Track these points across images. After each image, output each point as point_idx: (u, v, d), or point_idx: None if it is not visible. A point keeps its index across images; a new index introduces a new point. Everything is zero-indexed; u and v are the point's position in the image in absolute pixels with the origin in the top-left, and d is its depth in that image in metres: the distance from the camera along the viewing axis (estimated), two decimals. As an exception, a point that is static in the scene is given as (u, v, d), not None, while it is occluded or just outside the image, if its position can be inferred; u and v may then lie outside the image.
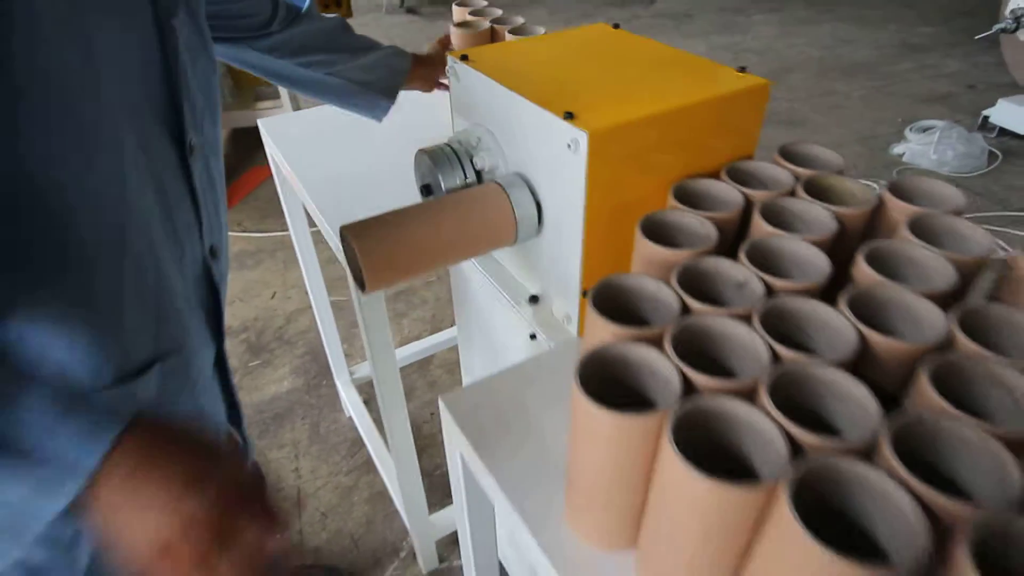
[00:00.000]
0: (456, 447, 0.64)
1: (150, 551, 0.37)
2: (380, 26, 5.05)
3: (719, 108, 0.62)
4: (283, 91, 2.89)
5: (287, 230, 1.71)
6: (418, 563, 1.44)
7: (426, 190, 0.74)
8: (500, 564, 1.05)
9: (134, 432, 0.38)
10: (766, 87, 0.64)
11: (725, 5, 5.27)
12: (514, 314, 0.77)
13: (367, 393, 1.80)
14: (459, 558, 1.45)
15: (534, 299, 0.74)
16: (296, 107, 2.90)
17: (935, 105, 3.40)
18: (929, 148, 2.79)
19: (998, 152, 2.86)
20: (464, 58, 0.73)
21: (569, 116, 0.57)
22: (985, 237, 0.54)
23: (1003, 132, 3.01)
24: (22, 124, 0.40)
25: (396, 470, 1.28)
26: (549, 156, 0.63)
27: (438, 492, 1.58)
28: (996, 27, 2.83)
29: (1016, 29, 2.80)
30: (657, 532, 0.43)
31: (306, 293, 1.67)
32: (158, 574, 0.38)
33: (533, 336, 0.73)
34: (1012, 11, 2.75)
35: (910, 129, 3.00)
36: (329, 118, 1.25)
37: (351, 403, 1.71)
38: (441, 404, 0.64)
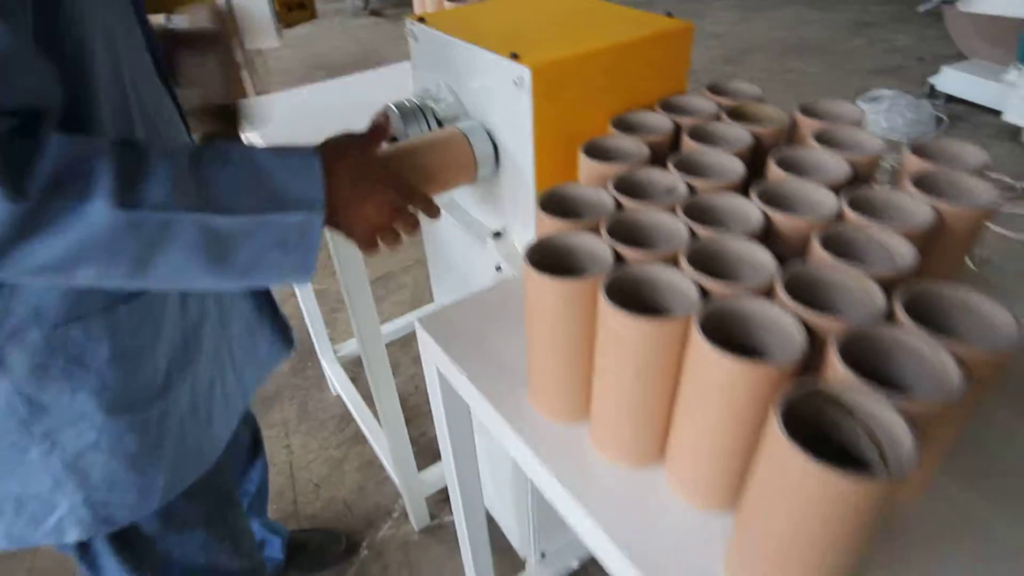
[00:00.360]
0: (432, 362, 0.71)
1: (370, 230, 0.60)
2: (344, 29, 5.10)
3: (649, 46, 0.70)
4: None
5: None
6: (410, 521, 1.51)
7: (393, 141, 0.81)
8: (487, 513, 1.12)
9: (332, 157, 0.55)
10: (689, 28, 0.73)
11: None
12: (481, 250, 0.84)
13: (352, 371, 1.86)
14: (449, 514, 1.52)
15: (497, 235, 0.81)
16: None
17: (887, 77, 3.55)
18: (880, 116, 2.92)
19: (944, 117, 3.01)
20: (421, 20, 0.80)
21: (514, 56, 0.65)
22: (876, 141, 0.63)
23: (951, 99, 3.15)
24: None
25: (386, 431, 1.34)
26: (500, 97, 0.70)
27: (426, 457, 1.65)
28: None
29: (955, 0, 2.93)
30: (601, 387, 0.51)
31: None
32: (373, 242, 0.62)
33: (499, 268, 0.81)
34: (950, -18, 2.89)
35: (862, 99, 3.13)
36: (308, 99, 1.31)
37: (338, 380, 1.77)
38: (417, 324, 0.71)
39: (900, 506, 0.50)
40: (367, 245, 0.62)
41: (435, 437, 0.83)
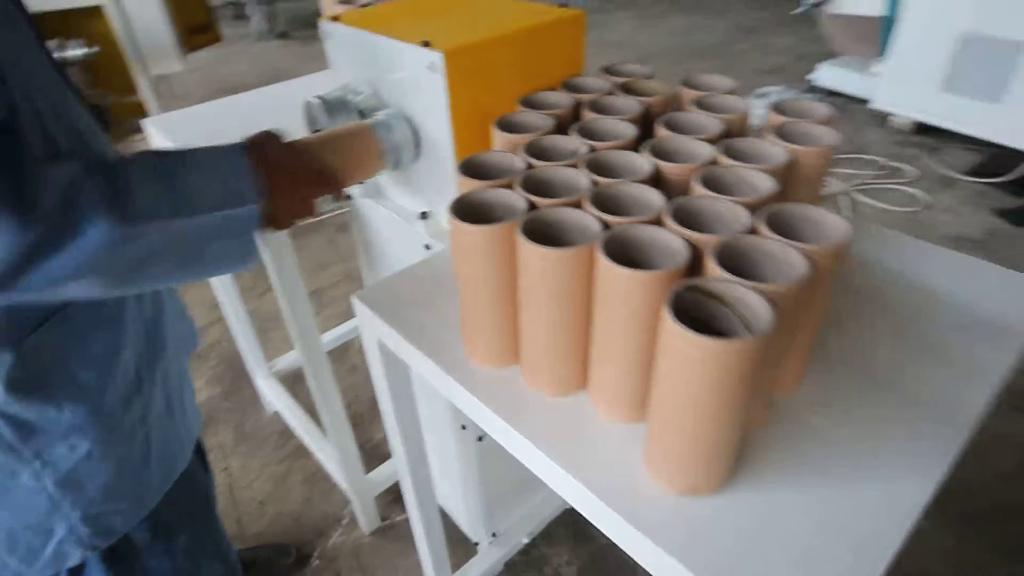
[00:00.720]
0: (373, 334, 0.76)
1: (288, 216, 0.65)
2: (252, 53, 5.02)
3: (546, 32, 0.79)
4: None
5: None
6: (360, 526, 1.51)
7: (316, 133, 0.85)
8: (441, 510, 1.15)
9: (255, 154, 0.58)
10: (581, 15, 0.82)
11: (587, 6, 5.67)
12: (410, 233, 0.89)
13: (288, 387, 1.84)
14: (400, 513, 1.54)
15: (424, 215, 0.87)
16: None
17: (772, 75, 3.87)
18: (766, 111, 3.19)
19: (824, 108, 3.31)
20: (336, 19, 0.85)
21: (426, 44, 0.72)
22: (744, 103, 0.74)
23: (829, 92, 3.48)
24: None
25: (331, 436, 1.35)
26: (416, 84, 0.76)
27: (373, 462, 1.66)
28: (808, 3, 3.29)
29: (823, 2, 3.26)
30: (526, 323, 0.58)
31: (211, 308, 1.70)
32: (288, 224, 0.66)
33: (428, 247, 0.86)
34: (817, -12, 3.21)
35: (753, 96, 3.40)
36: (220, 114, 1.32)
37: (275, 395, 1.76)
38: (355, 301, 0.75)
39: (783, 395, 0.59)
40: (282, 226, 0.66)
41: (380, 443, 0.86)
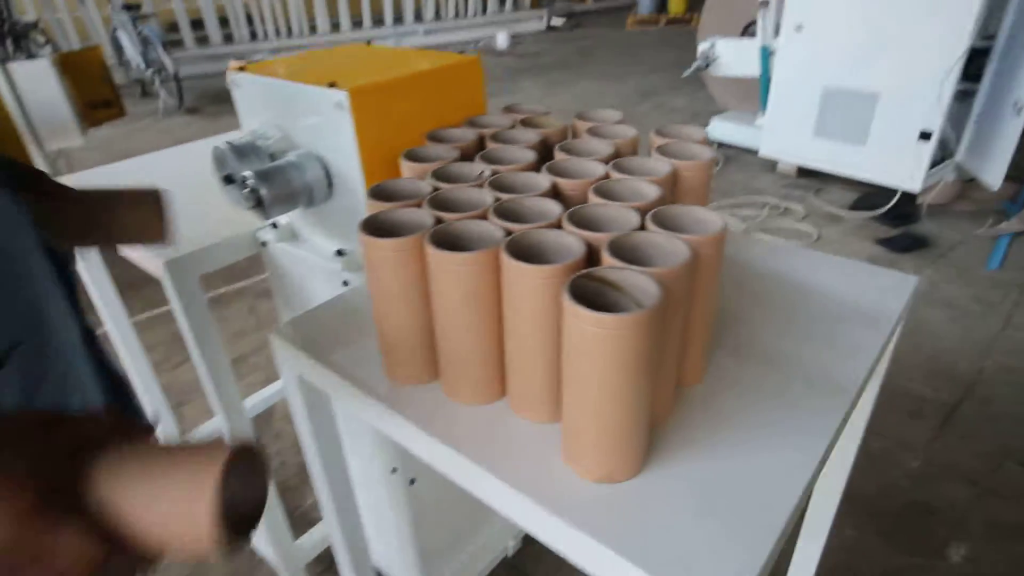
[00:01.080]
0: (293, 372, 0.75)
1: None
2: (159, 128, 4.92)
3: (446, 74, 0.84)
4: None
5: (102, 325, 1.64)
6: (291, 598, 1.41)
7: (227, 179, 0.86)
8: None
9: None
10: (477, 59, 0.88)
11: (493, 75, 5.99)
12: (328, 271, 0.90)
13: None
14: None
15: (340, 252, 0.88)
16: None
17: (671, 132, 4.19)
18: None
19: (720, 158, 3.61)
20: (242, 68, 0.88)
21: (332, 85, 0.75)
22: (631, 130, 0.81)
23: (721, 144, 3.80)
24: None
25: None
26: (325, 124, 0.79)
27: (300, 529, 1.57)
28: (693, 65, 3.63)
29: (708, 66, 3.61)
30: (442, 334, 0.59)
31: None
32: None
33: (346, 283, 0.87)
34: (700, 53, 3.56)
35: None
36: (119, 174, 1.29)
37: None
38: (273, 338, 0.74)
39: (689, 387, 0.63)
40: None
41: (309, 508, 0.83)
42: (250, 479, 0.37)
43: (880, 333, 0.70)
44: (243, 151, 0.83)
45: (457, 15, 7.81)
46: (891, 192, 2.87)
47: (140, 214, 0.72)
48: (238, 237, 0.99)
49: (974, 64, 2.64)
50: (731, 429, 0.58)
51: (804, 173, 3.33)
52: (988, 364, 2.02)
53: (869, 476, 1.64)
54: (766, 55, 3.23)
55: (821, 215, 3.00)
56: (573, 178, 0.69)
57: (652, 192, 0.63)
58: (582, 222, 0.58)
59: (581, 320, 0.45)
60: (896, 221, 2.87)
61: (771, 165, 3.48)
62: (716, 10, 4.05)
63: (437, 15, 7.79)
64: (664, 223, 0.57)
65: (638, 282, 0.49)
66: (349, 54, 0.97)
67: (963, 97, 2.77)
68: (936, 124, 2.63)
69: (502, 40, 7.25)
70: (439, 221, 0.60)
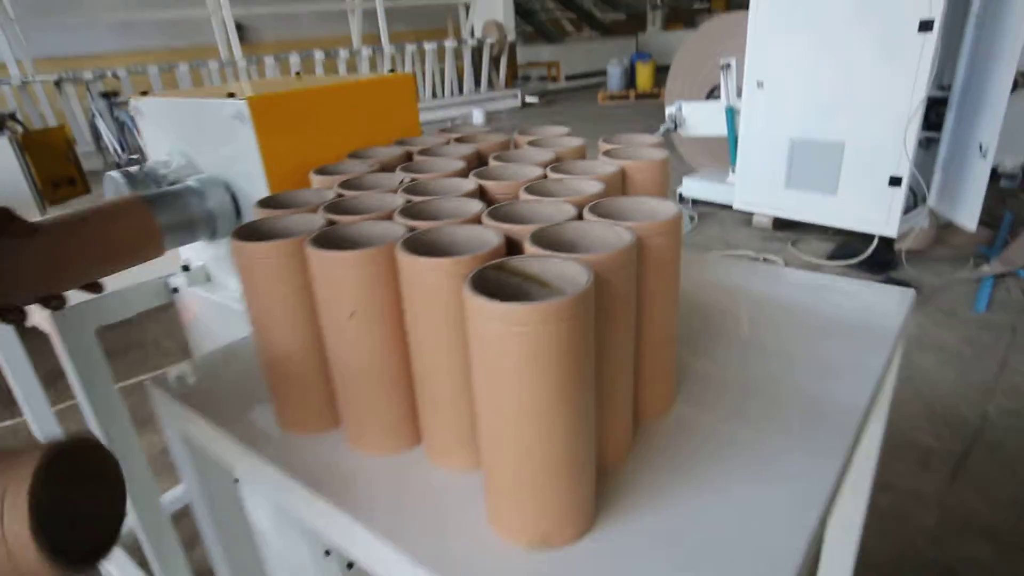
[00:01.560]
0: (176, 429, 0.61)
1: None
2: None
3: (369, 89, 0.76)
4: None
5: (21, 416, 1.48)
6: None
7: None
8: None
9: None
10: (411, 77, 0.80)
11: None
12: (241, 314, 0.77)
13: (134, 554, 1.52)
14: None
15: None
16: None
17: (645, 193, 4.21)
18: (645, 219, 3.40)
19: (694, 215, 3.60)
20: (144, 93, 0.79)
21: (231, 95, 0.66)
22: (577, 141, 0.72)
23: (696, 202, 3.81)
24: None
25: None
26: (227, 141, 0.70)
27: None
28: (662, 127, 3.68)
29: (676, 128, 3.66)
30: (333, 355, 0.47)
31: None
32: None
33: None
34: (668, 115, 3.62)
35: (629, 209, 3.64)
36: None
37: (119, 567, 1.44)
38: (149, 387, 0.61)
39: (651, 419, 0.51)
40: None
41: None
42: (91, 483, 0.32)
43: (881, 350, 0.59)
44: (136, 179, 0.73)
45: (435, 95, 8.04)
46: (868, 239, 2.83)
47: (129, 223, 0.64)
48: (145, 284, 0.87)
49: (933, 112, 2.68)
50: (708, 471, 0.45)
51: (780, 225, 3.31)
52: (991, 409, 1.90)
53: (883, 537, 1.47)
54: (731, 114, 3.29)
55: (800, 266, 2.94)
56: (506, 181, 0.60)
57: (594, 188, 0.53)
58: (507, 219, 0.47)
59: (485, 316, 0.33)
60: (876, 268, 2.82)
61: (746, 219, 3.46)
62: (680, 77, 4.17)
63: (414, 95, 8.02)
64: (606, 214, 0.47)
65: (566, 272, 0.37)
66: (269, 82, 0.89)
67: (927, 144, 2.80)
68: (904, 170, 2.63)
69: (478, 116, 7.45)
70: (332, 223, 0.49)
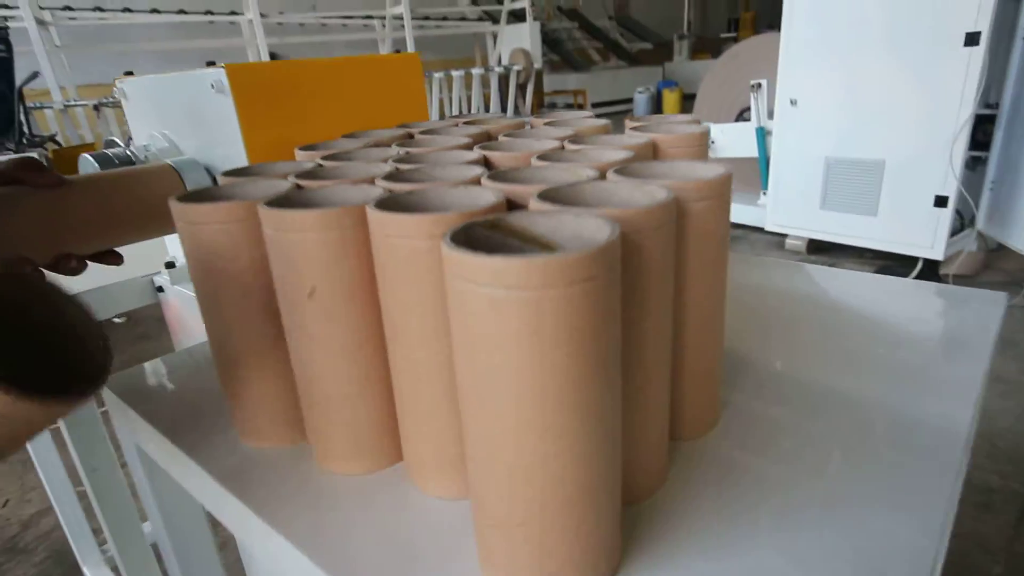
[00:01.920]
0: (130, 440, 0.52)
1: None
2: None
3: (368, 66, 0.69)
4: None
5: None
6: None
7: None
8: None
9: None
10: (416, 56, 0.73)
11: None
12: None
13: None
14: None
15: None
16: None
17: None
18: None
19: (724, 238, 3.47)
20: (130, 73, 0.73)
21: (211, 63, 0.59)
22: (600, 122, 0.63)
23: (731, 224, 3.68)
24: None
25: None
26: (208, 115, 0.62)
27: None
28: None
29: (704, 148, 3.57)
30: (294, 346, 0.38)
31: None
32: None
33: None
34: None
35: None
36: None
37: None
38: (107, 393, 0.53)
39: (691, 441, 0.40)
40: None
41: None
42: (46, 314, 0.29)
43: (978, 361, 0.47)
44: (109, 160, 0.66)
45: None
46: (910, 263, 2.68)
47: (163, 189, 0.59)
48: (127, 283, 0.79)
49: (980, 130, 2.54)
50: (765, 511, 0.35)
51: (815, 248, 3.16)
52: (1059, 446, 1.72)
53: (942, 589, 1.31)
54: (762, 135, 3.18)
55: (838, 290, 2.79)
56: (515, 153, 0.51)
57: (619, 155, 0.44)
58: (512, 182, 0.38)
59: (467, 277, 0.24)
60: (921, 294, 2.65)
61: (779, 242, 3.33)
62: (708, 100, 4.09)
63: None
64: (635, 175, 0.37)
65: (584, 229, 0.28)
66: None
67: (973, 164, 2.65)
68: (951, 189, 2.49)
69: (503, 141, 7.46)
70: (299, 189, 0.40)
